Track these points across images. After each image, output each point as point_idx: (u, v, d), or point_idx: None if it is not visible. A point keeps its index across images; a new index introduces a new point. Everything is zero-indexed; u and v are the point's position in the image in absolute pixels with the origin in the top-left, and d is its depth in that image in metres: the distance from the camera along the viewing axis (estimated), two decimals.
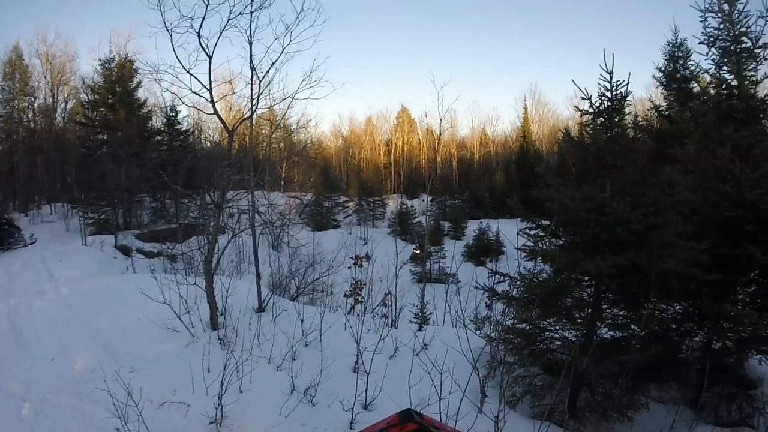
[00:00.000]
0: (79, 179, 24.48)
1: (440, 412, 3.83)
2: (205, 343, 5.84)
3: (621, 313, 5.28)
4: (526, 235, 5.54)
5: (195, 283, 6.89)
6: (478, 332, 6.45)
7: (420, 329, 6.85)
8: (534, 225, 5.59)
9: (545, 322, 5.31)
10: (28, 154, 29.62)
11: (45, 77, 31.91)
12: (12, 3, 57.19)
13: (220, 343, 6.03)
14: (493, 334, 5.39)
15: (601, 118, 5.08)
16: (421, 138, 54.78)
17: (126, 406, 3.97)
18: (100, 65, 25.33)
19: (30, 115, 31.80)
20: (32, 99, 31.43)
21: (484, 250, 26.54)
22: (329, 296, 9.02)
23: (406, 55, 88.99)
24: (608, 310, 5.27)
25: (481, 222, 28.87)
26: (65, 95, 33.31)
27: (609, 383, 4.99)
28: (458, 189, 41.62)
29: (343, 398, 4.50)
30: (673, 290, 4.80)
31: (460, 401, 3.88)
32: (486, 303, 7.10)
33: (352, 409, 4.36)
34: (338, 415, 4.47)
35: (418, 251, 17.28)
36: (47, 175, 31.76)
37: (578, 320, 5.27)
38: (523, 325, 5.19)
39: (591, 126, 5.27)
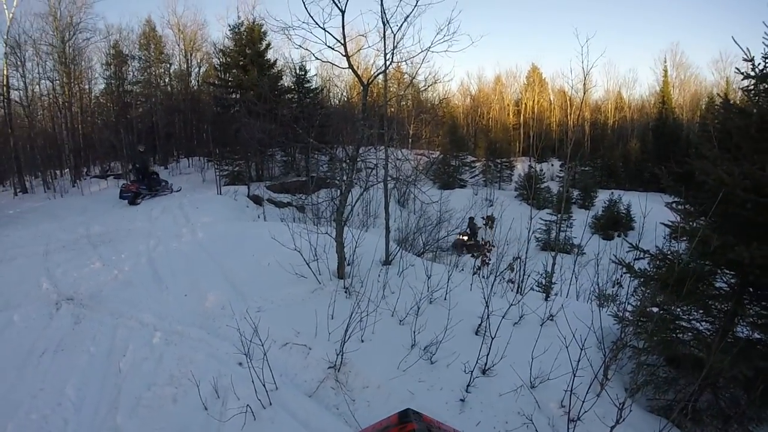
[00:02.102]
0: (214, 135, 26.56)
1: (567, 389, 3.71)
2: (331, 291, 6.01)
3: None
4: (674, 211, 5.07)
5: (326, 233, 7.06)
6: (605, 310, 6.11)
7: (546, 299, 6.60)
8: (683, 200, 5.06)
9: (679, 310, 4.74)
10: (167, 114, 32.57)
11: (178, 45, 34.49)
12: None
13: (346, 292, 6.16)
14: (623, 314, 5.08)
15: (766, 84, 4.34)
16: (552, 99, 51.83)
17: (251, 344, 4.18)
18: (229, 30, 26.55)
19: (167, 80, 34.55)
20: (168, 65, 34.10)
21: (613, 223, 24.91)
22: (455, 255, 8.94)
23: (536, 9, 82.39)
24: (752, 307, 4.55)
25: (612, 192, 27.11)
26: (198, 60, 35.60)
27: (737, 389, 4.42)
28: (590, 155, 38.67)
29: (464, 360, 4.42)
30: None
31: (590, 383, 3.75)
32: (616, 280, 6.72)
33: (471, 372, 4.27)
34: (456, 375, 4.40)
35: (465, 237, 15.72)
36: (184, 132, 34.76)
37: (715, 312, 4.65)
38: (656, 309, 4.73)
39: (753, 92, 4.55)
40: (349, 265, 6.89)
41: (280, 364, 4.59)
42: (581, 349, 3.75)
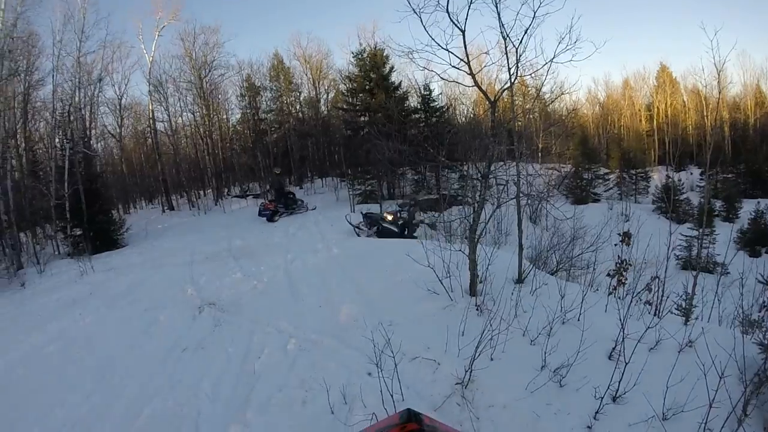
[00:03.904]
0: (346, 156, 27.95)
1: (702, 423, 3.44)
2: (463, 308, 5.90)
3: None
4: None
5: (460, 250, 7.01)
6: (749, 337, 5.54)
7: (686, 323, 6.12)
8: None
9: None
10: (300, 139, 34.91)
11: (306, 74, 36.67)
12: (265, 21, 67.87)
13: (477, 310, 6.05)
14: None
15: None
16: (685, 100, 46.84)
17: (382, 355, 4.22)
18: (353, 57, 27.64)
19: (297, 107, 36.83)
20: (298, 94, 36.32)
21: (760, 237, 21.87)
22: (590, 274, 8.57)
23: (659, 3, 74.99)
24: None
25: (758, 202, 23.84)
26: (326, 87, 37.56)
27: None
28: (731, 160, 34.03)
29: (594, 385, 4.18)
30: None
31: (726, 417, 3.44)
32: (763, 303, 6.09)
33: (602, 398, 4.04)
34: (585, 401, 4.14)
35: (390, 216, 14.40)
36: (317, 154, 36.93)
37: None
38: None
39: None
40: (481, 282, 6.76)
41: (408, 377, 4.59)
42: (720, 378, 3.47)
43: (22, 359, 6.46)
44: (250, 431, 4.19)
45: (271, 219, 18.29)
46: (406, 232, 14.24)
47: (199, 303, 8.02)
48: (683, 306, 7.00)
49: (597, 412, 4.01)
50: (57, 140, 20.49)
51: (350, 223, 14.29)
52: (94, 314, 8.10)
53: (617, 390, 4.18)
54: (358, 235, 13.28)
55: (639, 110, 49.04)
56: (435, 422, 1.42)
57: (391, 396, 4.08)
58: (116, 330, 7.26)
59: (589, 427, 3.94)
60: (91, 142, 25.12)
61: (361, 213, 14.47)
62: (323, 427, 4.08)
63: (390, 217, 13.72)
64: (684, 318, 6.42)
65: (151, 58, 27.00)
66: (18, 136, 21.54)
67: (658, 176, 35.69)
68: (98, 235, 18.27)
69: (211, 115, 30.40)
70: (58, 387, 5.51)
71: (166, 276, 10.38)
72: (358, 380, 4.64)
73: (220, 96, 32.16)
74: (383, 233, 13.82)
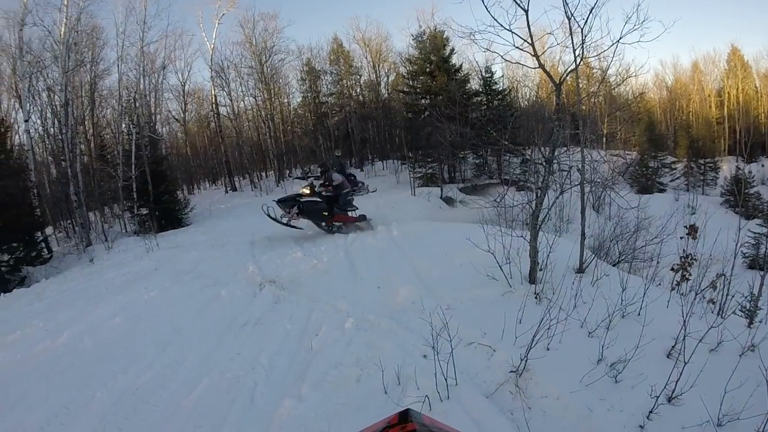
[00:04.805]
0: (407, 139, 28.04)
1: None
2: (522, 295, 5.84)
3: None
4: None
5: (521, 236, 6.95)
6: None
7: (750, 325, 5.85)
8: None
9: None
10: (360, 121, 35.52)
11: (365, 58, 36.99)
12: (323, 6, 70.89)
13: (536, 298, 5.97)
14: None
15: None
16: (758, 85, 44.11)
17: (439, 338, 4.20)
18: (413, 40, 28.05)
19: (358, 90, 37.36)
20: (358, 77, 36.83)
21: None
22: (652, 267, 8.31)
23: None
24: None
25: None
26: (386, 70, 37.76)
27: None
28: None
29: (650, 383, 4.00)
30: None
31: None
32: None
33: (657, 398, 3.90)
34: (639, 398, 3.99)
35: (307, 190, 12.26)
36: (378, 137, 37.47)
37: None
38: None
39: None
40: (541, 270, 6.68)
41: (463, 362, 4.55)
42: None
43: (89, 330, 6.74)
44: (304, 405, 4.26)
45: None
46: (340, 203, 12.51)
47: (259, 280, 8.22)
48: (748, 307, 6.71)
49: (651, 412, 3.88)
50: (123, 125, 21.59)
51: (270, 216, 11.79)
52: (158, 289, 8.40)
53: (673, 390, 4.02)
54: (288, 224, 11.73)
55: (709, 96, 46.58)
56: (435, 422, 1.42)
57: (445, 380, 4.07)
58: (179, 304, 7.52)
59: (641, 426, 3.82)
60: (156, 126, 26.35)
61: (274, 201, 12.13)
62: (376, 406, 4.11)
63: (307, 191, 12.06)
64: (748, 320, 6.14)
65: (212, 46, 27.98)
66: (86, 122, 22.85)
67: (727, 167, 34.29)
68: (163, 214, 19.12)
69: (273, 99, 31.20)
70: (123, 356, 5.75)
71: (228, 254, 10.73)
72: (413, 362, 4.64)
73: (280, 80, 33.16)
74: (308, 211, 11.88)
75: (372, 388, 4.38)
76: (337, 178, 12.43)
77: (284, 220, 11.59)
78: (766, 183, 30.93)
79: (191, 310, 7.18)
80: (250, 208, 18.97)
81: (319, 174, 12.61)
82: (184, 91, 31.40)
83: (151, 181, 19.34)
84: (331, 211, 12.12)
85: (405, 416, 1.40)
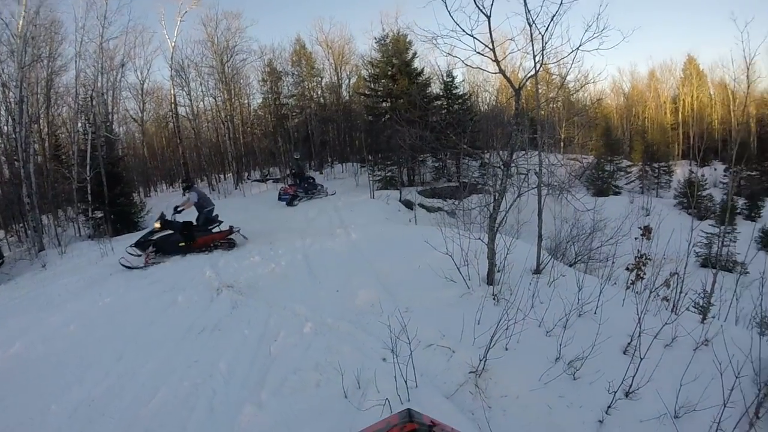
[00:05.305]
0: (367, 142, 28.10)
1: (714, 423, 3.42)
2: (480, 296, 5.93)
3: None
4: None
5: (479, 238, 7.03)
6: (766, 338, 5.47)
7: (703, 321, 6.04)
8: None
9: None
10: (321, 124, 35.30)
11: (328, 60, 36.96)
12: (287, 6, 69.75)
13: (494, 299, 6.04)
14: None
15: None
16: (712, 93, 46.15)
17: (398, 341, 4.24)
18: (375, 42, 27.88)
19: (319, 92, 37.19)
20: (319, 79, 36.69)
21: None
22: (608, 267, 8.51)
23: None
24: None
25: None
26: (348, 72, 37.85)
27: None
28: (757, 157, 33.11)
29: (608, 379, 4.11)
30: None
31: (738, 419, 3.43)
32: None
33: (615, 393, 3.99)
34: (598, 395, 4.10)
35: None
36: (338, 140, 37.50)
37: None
38: None
39: None
40: (499, 271, 6.77)
41: (423, 364, 4.58)
42: (736, 378, 3.45)
43: (43, 338, 6.57)
44: (264, 412, 4.23)
45: (290, 203, 18.57)
46: (199, 223, 11.69)
47: (217, 285, 8.13)
48: (701, 304, 6.93)
49: (609, 407, 3.98)
50: (79, 125, 20.84)
51: (127, 266, 10.28)
52: (113, 295, 8.24)
53: (630, 385, 4.14)
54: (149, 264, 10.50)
55: (664, 102, 48.41)
56: (435, 422, 1.42)
57: (405, 382, 4.09)
58: (135, 310, 7.37)
59: (600, 421, 3.91)
60: (113, 126, 25.57)
61: (128, 248, 10.88)
62: (336, 411, 4.10)
63: (158, 225, 11.18)
64: (701, 316, 6.34)
65: (173, 44, 27.26)
66: (41, 120, 22.07)
67: (681, 171, 35.39)
68: (119, 217, 18.72)
69: (233, 100, 30.81)
70: (77, 365, 5.62)
71: (184, 258, 10.58)
72: (373, 365, 4.64)
73: (241, 81, 32.76)
74: (163, 247, 10.99)
75: (332, 392, 4.37)
76: (193, 198, 11.66)
77: (142, 265, 10.34)
78: (718, 186, 31.96)
79: (147, 316, 7.04)
80: None
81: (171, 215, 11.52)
82: (142, 89, 30.84)
83: (106, 183, 18.89)
84: (190, 237, 11.26)
85: (405, 416, 1.39)
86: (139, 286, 8.62)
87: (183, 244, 11.12)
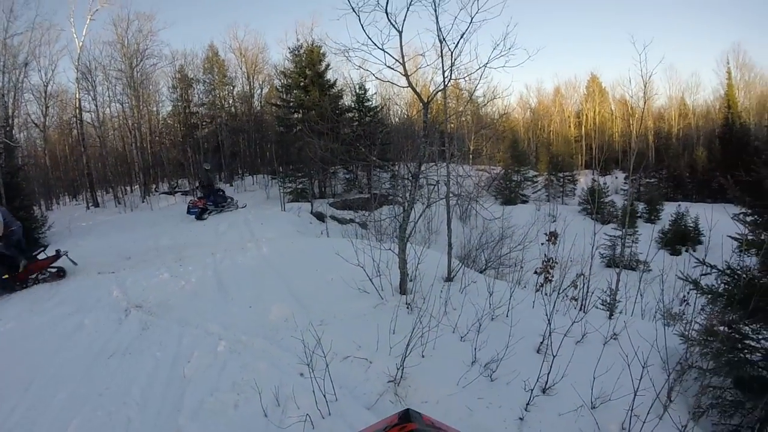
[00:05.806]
0: (278, 154, 27.94)
1: (629, 410, 3.68)
2: (394, 306, 6.01)
3: None
4: (743, 223, 4.83)
5: (389, 249, 7.13)
6: (671, 329, 5.89)
7: (610, 317, 6.43)
8: (749, 211, 4.80)
9: (747, 328, 4.44)
10: (231, 134, 34.65)
11: (241, 68, 36.50)
12: (203, 9, 68.18)
13: (408, 308, 6.14)
14: (689, 333, 4.87)
15: None
16: (613, 109, 50.05)
17: (314, 355, 4.23)
18: (289, 53, 27.88)
19: (230, 102, 36.59)
20: (231, 88, 36.16)
21: (680, 237, 23.63)
22: (518, 272, 8.85)
23: (594, 14, 79.40)
24: None
25: (678, 205, 26.01)
26: (260, 82, 37.65)
27: None
28: (654, 166, 36.61)
29: (524, 378, 4.32)
30: None
31: (651, 404, 3.69)
32: (683, 297, 6.48)
33: (531, 390, 4.17)
34: (516, 393, 4.31)
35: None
36: (249, 151, 36.80)
37: None
38: (723, 328, 4.45)
39: None
40: (411, 281, 6.89)
41: (341, 377, 4.63)
42: (643, 368, 3.70)
43: None
44: None
45: (199, 217, 17.99)
46: (22, 248, 10.12)
47: (125, 305, 7.76)
48: (607, 301, 7.36)
49: (528, 404, 4.16)
50: None
51: None
52: (14, 320, 7.71)
53: (546, 382, 4.35)
54: None
55: (569, 117, 51.84)
56: (435, 422, 1.45)
57: (324, 396, 4.11)
58: (39, 336, 6.92)
59: (521, 418, 4.08)
60: (13, 131, 23.75)
61: None
62: (257, 431, 4.05)
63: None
64: (608, 312, 6.75)
65: (81, 43, 25.60)
66: None
67: (584, 179, 37.64)
68: None
69: (141, 107, 29.49)
70: None
71: (90, 276, 9.99)
72: (291, 381, 4.64)
73: (150, 87, 31.47)
74: None
75: (251, 412, 4.32)
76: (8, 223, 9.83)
77: None
78: (619, 192, 34.17)
79: (53, 342, 6.59)
80: (115, 226, 17.97)
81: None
82: (46, 92, 28.53)
83: (5, 195, 17.60)
84: (13, 267, 9.64)
85: (405, 417, 1.39)
86: (43, 310, 8.07)
87: (7, 276, 9.44)
